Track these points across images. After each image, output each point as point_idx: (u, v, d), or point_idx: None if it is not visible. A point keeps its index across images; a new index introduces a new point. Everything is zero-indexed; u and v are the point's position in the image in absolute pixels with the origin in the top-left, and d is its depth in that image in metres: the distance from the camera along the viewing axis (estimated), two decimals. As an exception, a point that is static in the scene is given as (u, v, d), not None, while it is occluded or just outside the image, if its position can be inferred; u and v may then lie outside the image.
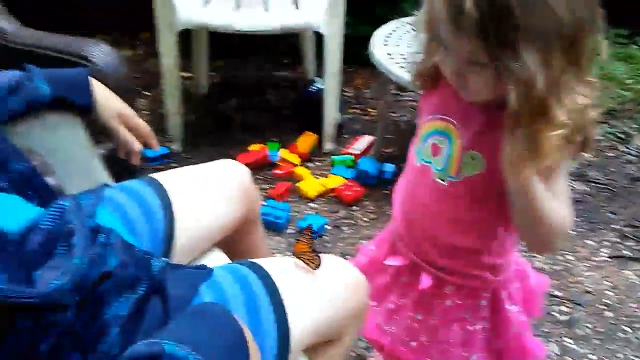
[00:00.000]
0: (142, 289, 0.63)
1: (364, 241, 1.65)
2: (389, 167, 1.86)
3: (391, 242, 0.95)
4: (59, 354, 0.54)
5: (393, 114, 2.16)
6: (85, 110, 0.83)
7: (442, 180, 0.81)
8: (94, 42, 1.38)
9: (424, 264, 0.87)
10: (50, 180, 0.88)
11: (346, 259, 1.52)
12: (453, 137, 0.80)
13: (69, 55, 1.34)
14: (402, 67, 1.62)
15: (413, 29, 1.77)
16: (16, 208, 0.58)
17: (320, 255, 0.79)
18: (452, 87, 0.75)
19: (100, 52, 1.36)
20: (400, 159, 1.93)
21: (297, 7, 1.76)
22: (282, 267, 0.77)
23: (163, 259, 0.72)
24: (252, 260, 0.76)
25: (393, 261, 0.91)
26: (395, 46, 1.72)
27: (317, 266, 0.78)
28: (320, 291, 0.76)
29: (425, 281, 0.85)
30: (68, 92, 0.80)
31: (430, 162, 0.82)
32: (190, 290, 0.67)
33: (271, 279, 0.72)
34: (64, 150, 0.86)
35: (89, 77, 0.82)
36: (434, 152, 0.82)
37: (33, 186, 0.65)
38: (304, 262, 0.77)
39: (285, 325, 0.68)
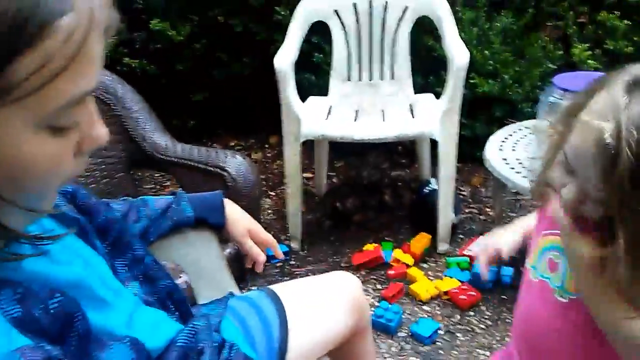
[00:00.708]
0: (257, 401, 0.70)
1: (479, 350, 1.59)
2: (507, 271, 1.80)
3: None
4: None
5: (512, 214, 2.12)
6: (219, 227, 0.96)
7: (562, 297, 0.79)
8: (230, 153, 1.58)
9: None
10: (182, 278, 1.02)
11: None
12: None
13: (210, 166, 1.55)
14: (517, 172, 1.62)
15: (534, 135, 1.77)
16: (159, 324, 0.68)
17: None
18: None
19: (235, 163, 1.55)
20: (519, 262, 1.87)
21: (413, 117, 1.86)
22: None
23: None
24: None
25: None
26: (511, 151, 1.73)
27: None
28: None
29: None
30: (207, 213, 0.93)
31: (548, 278, 0.81)
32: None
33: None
34: (198, 262, 0.99)
35: (223, 199, 0.96)
36: (551, 267, 0.81)
37: (174, 300, 0.76)
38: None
39: None
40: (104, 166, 1.60)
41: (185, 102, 2.47)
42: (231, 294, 0.94)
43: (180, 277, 0.98)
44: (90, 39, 0.43)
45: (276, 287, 0.95)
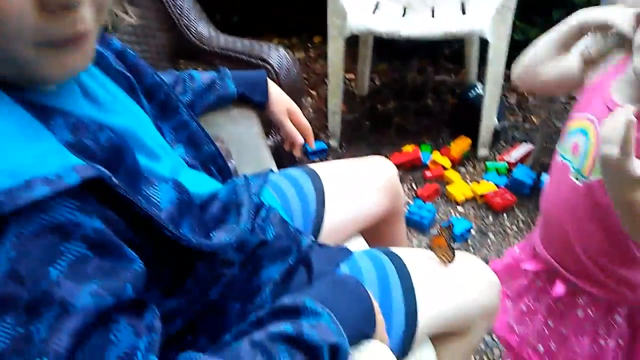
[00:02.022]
0: (291, 259, 0.75)
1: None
2: (547, 178, 1.78)
3: (533, 245, 0.95)
4: (224, 302, 0.67)
5: (558, 122, 2.06)
6: (260, 105, 0.98)
7: (577, 180, 0.79)
8: (273, 47, 1.57)
9: (560, 269, 0.86)
10: (229, 164, 1.06)
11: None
12: (590, 136, 0.78)
13: (253, 57, 1.55)
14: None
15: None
16: (203, 181, 0.72)
17: (456, 252, 0.83)
18: (601, 83, 0.73)
19: (277, 56, 1.55)
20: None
21: (464, 13, 1.78)
22: (416, 257, 0.83)
23: (312, 237, 0.83)
24: (389, 248, 0.84)
25: (529, 265, 0.92)
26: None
27: (451, 261, 0.82)
28: (450, 283, 0.81)
29: (559, 288, 0.85)
30: (250, 90, 0.95)
31: (569, 161, 0.81)
32: (332, 266, 0.77)
33: (405, 266, 0.79)
34: (240, 138, 1.02)
35: (266, 78, 0.97)
36: (574, 150, 0.81)
37: (217, 166, 0.80)
38: (439, 255, 0.83)
39: (413, 307, 0.74)
40: (148, 54, 1.62)
41: (229, -4, 2.42)
42: (271, 171, 0.98)
43: (224, 150, 1.02)
44: None
45: (315, 166, 0.98)
